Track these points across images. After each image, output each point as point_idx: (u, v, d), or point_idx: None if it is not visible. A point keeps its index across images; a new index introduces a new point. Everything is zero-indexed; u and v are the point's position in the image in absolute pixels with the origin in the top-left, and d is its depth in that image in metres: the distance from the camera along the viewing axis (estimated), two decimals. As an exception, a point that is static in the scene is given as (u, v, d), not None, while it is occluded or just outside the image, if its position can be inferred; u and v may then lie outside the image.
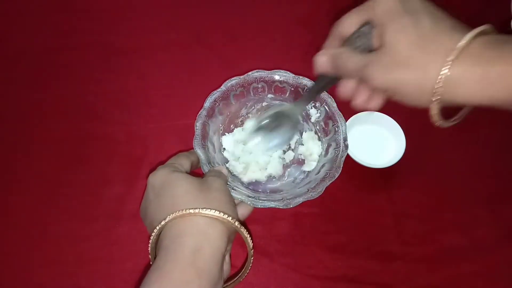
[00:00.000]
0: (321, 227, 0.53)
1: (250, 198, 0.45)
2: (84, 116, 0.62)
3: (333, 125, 0.51)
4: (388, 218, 0.54)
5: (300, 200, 0.45)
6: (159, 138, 0.59)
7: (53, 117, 0.62)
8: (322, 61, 0.38)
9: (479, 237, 0.52)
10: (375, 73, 0.33)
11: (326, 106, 0.52)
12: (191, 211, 0.36)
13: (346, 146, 0.49)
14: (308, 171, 0.52)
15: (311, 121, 0.54)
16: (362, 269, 0.50)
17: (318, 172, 0.49)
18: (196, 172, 0.46)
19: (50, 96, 0.64)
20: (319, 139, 0.53)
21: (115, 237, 0.52)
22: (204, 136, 0.49)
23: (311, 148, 0.53)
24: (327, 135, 0.52)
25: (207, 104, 0.51)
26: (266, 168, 0.52)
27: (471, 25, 0.31)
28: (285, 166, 0.53)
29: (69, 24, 0.71)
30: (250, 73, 0.53)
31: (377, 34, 0.34)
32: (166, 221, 0.36)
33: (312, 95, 0.46)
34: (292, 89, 0.53)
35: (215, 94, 0.51)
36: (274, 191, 0.50)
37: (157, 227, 0.37)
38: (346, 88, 0.39)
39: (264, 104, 0.55)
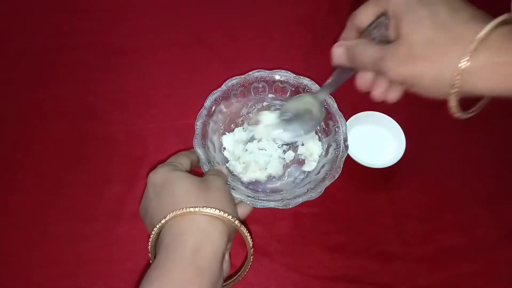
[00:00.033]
0: (321, 227, 0.53)
1: (249, 198, 0.45)
2: (84, 116, 0.62)
3: (333, 125, 0.51)
4: (388, 218, 0.54)
5: (299, 200, 0.45)
6: (159, 138, 0.59)
7: (53, 117, 0.62)
8: (338, 53, 0.38)
9: (479, 237, 0.52)
10: (392, 65, 0.32)
11: (326, 106, 0.52)
12: (192, 209, 0.36)
13: (346, 147, 0.49)
14: (308, 171, 0.52)
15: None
16: (362, 269, 0.50)
17: (318, 173, 0.49)
18: (196, 171, 0.46)
19: (50, 96, 0.64)
20: (320, 139, 0.53)
21: (115, 237, 0.52)
22: (204, 136, 0.49)
23: (311, 148, 0.53)
24: (327, 135, 0.52)
25: (207, 103, 0.51)
26: (266, 168, 0.52)
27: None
28: (285, 166, 0.53)
29: (69, 24, 0.71)
30: (251, 72, 0.53)
31: (393, 25, 0.34)
32: (166, 219, 0.36)
33: (330, 87, 0.44)
34: (293, 89, 0.53)
35: (216, 93, 0.51)
36: (274, 191, 0.50)
37: (157, 226, 0.37)
38: (363, 79, 0.38)
39: (265, 104, 0.55)
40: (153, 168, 0.41)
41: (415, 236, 0.52)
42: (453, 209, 0.54)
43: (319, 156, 0.52)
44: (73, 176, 0.57)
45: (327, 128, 0.52)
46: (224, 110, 0.53)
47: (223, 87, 0.52)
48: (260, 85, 0.53)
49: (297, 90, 0.53)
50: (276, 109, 0.55)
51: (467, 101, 0.33)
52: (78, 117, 0.62)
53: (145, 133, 0.60)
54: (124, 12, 0.72)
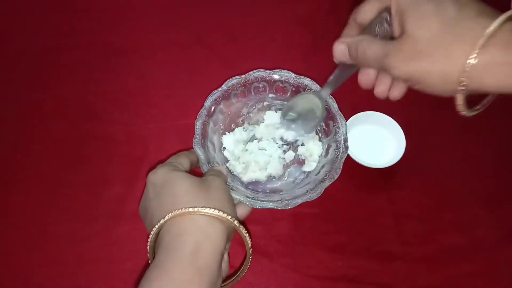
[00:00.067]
0: (321, 227, 0.53)
1: (249, 199, 0.45)
2: (84, 116, 0.62)
3: (333, 126, 0.51)
4: (388, 218, 0.53)
5: (298, 201, 0.45)
6: (159, 138, 0.59)
7: (53, 117, 0.62)
8: (340, 50, 0.37)
9: (479, 237, 0.52)
10: (397, 63, 0.31)
11: (327, 106, 0.52)
12: (191, 209, 0.36)
13: (346, 147, 0.48)
14: (308, 172, 0.52)
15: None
16: (362, 269, 0.50)
17: (318, 173, 0.49)
18: (196, 171, 0.46)
19: (50, 96, 0.64)
20: (320, 140, 0.53)
21: (115, 237, 0.53)
22: (204, 136, 0.49)
23: (312, 148, 0.53)
24: (327, 136, 0.52)
25: (207, 103, 0.51)
26: (266, 168, 0.52)
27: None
28: (285, 166, 0.53)
29: (69, 24, 0.71)
30: (251, 72, 0.53)
31: (398, 21, 0.33)
32: (166, 219, 0.36)
33: (333, 85, 0.44)
34: (293, 88, 0.53)
35: (216, 93, 0.51)
36: (274, 191, 0.50)
37: (156, 226, 0.37)
38: (366, 76, 0.37)
39: (265, 103, 0.55)
40: (153, 168, 0.41)
41: (415, 236, 0.52)
42: (453, 209, 0.54)
43: (319, 157, 0.52)
44: (73, 176, 0.57)
45: (327, 129, 0.52)
46: (224, 110, 0.53)
47: (223, 87, 0.52)
48: (260, 85, 0.53)
49: (298, 90, 0.53)
50: (277, 109, 0.55)
51: (470, 98, 0.32)
52: (78, 117, 0.62)
53: (145, 133, 0.60)
54: (124, 12, 0.72)
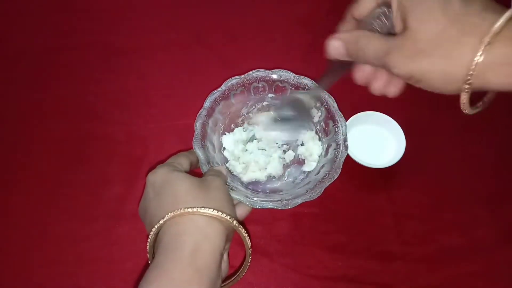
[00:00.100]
0: (320, 227, 0.53)
1: (248, 199, 0.45)
2: (84, 116, 0.62)
3: (333, 125, 0.51)
4: (388, 218, 0.53)
5: (298, 201, 0.45)
6: (159, 138, 0.59)
7: (53, 117, 0.62)
8: (335, 46, 0.35)
9: (479, 237, 0.52)
10: (398, 61, 0.30)
11: (326, 106, 0.52)
12: (190, 210, 0.36)
13: (346, 147, 0.48)
14: (308, 171, 0.52)
15: (313, 121, 0.54)
16: (362, 269, 0.50)
17: (318, 173, 0.49)
18: (195, 171, 0.46)
19: (50, 96, 0.64)
20: (320, 139, 0.53)
21: (115, 237, 0.53)
22: (204, 136, 0.49)
23: (311, 148, 0.52)
24: (327, 135, 0.52)
25: (207, 103, 0.51)
26: (266, 168, 0.52)
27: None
28: (285, 166, 0.53)
29: (69, 24, 0.71)
30: (250, 72, 0.52)
31: (399, 16, 0.31)
32: (165, 219, 0.36)
33: (325, 84, 0.41)
34: (293, 88, 0.53)
35: (216, 93, 0.51)
36: (274, 191, 0.50)
37: (156, 226, 0.37)
38: (362, 72, 0.36)
39: (265, 103, 0.55)
40: (153, 168, 0.41)
41: (415, 236, 0.52)
42: (453, 209, 0.54)
43: (319, 156, 0.52)
44: (73, 176, 0.57)
45: (327, 128, 0.52)
46: (224, 110, 0.53)
47: (223, 87, 0.52)
48: (260, 85, 0.53)
49: (297, 90, 0.53)
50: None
51: (470, 96, 0.31)
52: (78, 117, 0.62)
53: (145, 133, 0.60)
54: (124, 12, 0.72)
